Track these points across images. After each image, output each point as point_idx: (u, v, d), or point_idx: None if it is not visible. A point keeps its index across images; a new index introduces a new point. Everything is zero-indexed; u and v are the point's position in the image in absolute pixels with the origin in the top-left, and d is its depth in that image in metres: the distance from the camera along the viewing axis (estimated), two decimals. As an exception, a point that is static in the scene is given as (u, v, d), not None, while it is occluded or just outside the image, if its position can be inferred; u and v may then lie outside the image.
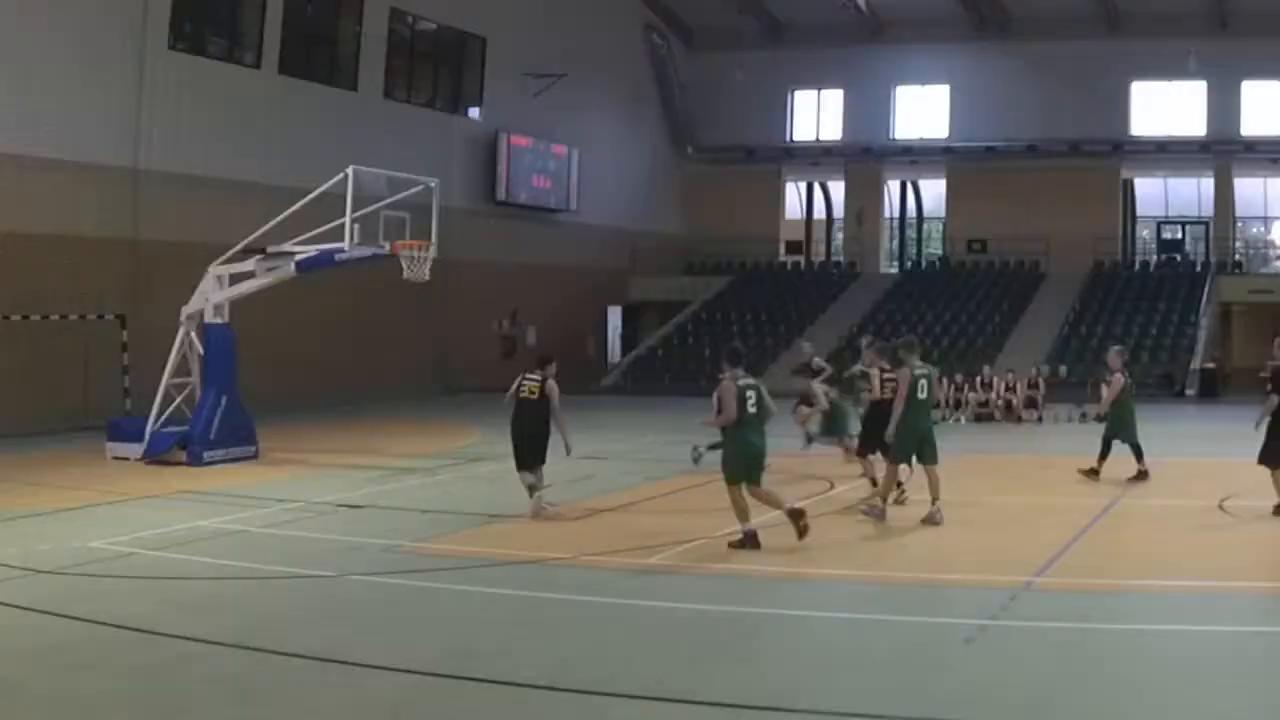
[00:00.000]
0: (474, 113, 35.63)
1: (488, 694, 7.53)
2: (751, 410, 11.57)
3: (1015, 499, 15.15)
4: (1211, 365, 32.21)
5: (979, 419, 25.78)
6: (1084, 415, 25.60)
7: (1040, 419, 25.56)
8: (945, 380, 26.38)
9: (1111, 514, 13.61)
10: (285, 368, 26.49)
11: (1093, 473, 16.15)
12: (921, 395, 13.03)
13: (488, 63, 35.35)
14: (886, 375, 14.19)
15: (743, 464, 11.61)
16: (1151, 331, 34.89)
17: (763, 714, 7.08)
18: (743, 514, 11.60)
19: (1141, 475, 16.05)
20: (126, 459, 18.51)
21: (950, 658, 8.17)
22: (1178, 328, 34.80)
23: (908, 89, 42.76)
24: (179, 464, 18.07)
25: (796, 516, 11.63)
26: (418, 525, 13.25)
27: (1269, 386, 13.15)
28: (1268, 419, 13.09)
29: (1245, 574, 10.53)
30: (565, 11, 36.81)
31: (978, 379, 26.62)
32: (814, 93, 43.75)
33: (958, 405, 26.10)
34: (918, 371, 13.07)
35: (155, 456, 18.40)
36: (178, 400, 19.14)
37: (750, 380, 11.75)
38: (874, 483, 14.19)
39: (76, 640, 8.70)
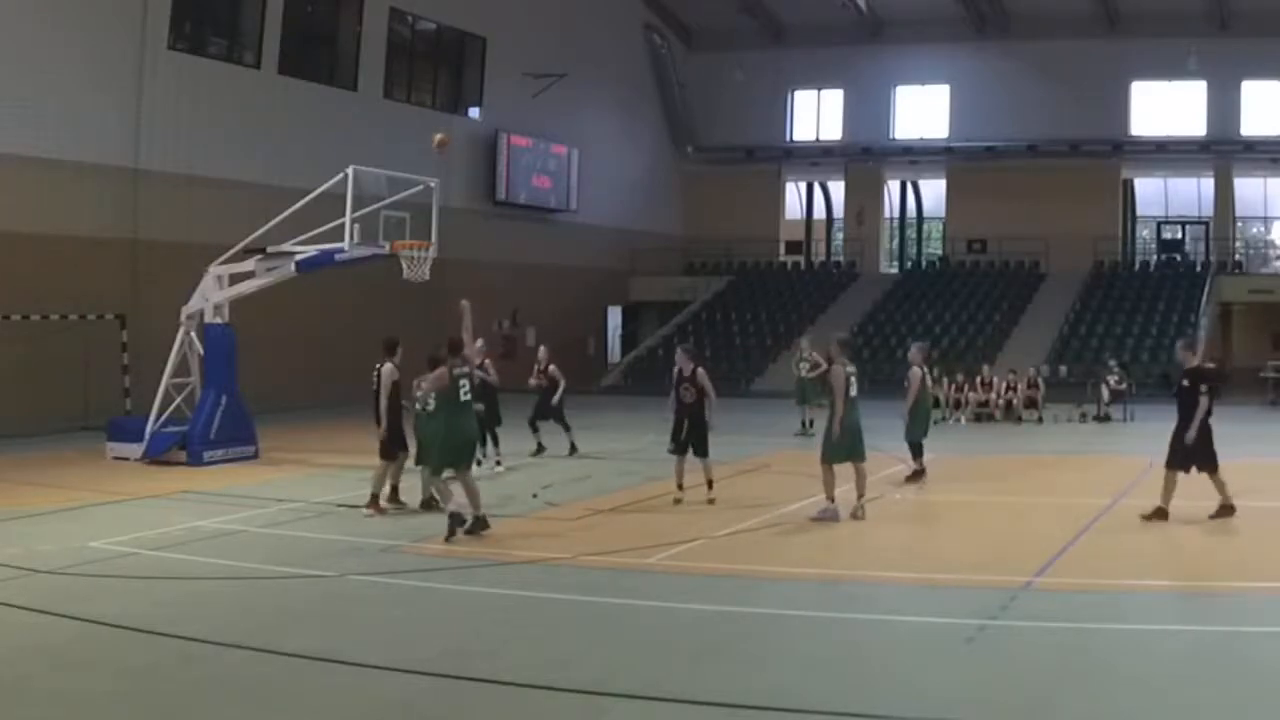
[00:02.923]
0: (474, 113, 35.63)
1: (487, 694, 7.53)
2: (465, 398, 12.34)
3: (1015, 499, 15.16)
4: (1211, 365, 32.13)
5: (979, 419, 25.77)
6: (1084, 415, 25.66)
7: (1040, 419, 25.55)
8: (945, 380, 26.40)
9: (1111, 514, 13.60)
10: (285, 368, 26.48)
11: (917, 474, 16.16)
12: (853, 393, 13.19)
13: (488, 63, 35.34)
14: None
15: (451, 451, 12.30)
16: (1151, 331, 34.88)
17: (762, 714, 7.08)
18: (445, 497, 12.27)
19: (918, 475, 16.13)
20: (126, 459, 18.51)
21: (950, 658, 8.17)
22: (1178, 328, 34.74)
23: (908, 89, 42.75)
24: (179, 464, 18.07)
25: (456, 520, 12.09)
26: (418, 525, 13.25)
27: (1203, 388, 12.80)
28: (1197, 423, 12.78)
29: (1244, 573, 10.52)
30: (565, 11, 36.83)
31: (978, 379, 26.59)
32: (814, 93, 43.75)
33: (958, 405, 26.07)
34: (848, 369, 13.28)
35: (155, 456, 18.40)
36: (178, 400, 19.14)
37: (465, 369, 12.53)
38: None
39: (77, 640, 8.71)
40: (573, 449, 19.15)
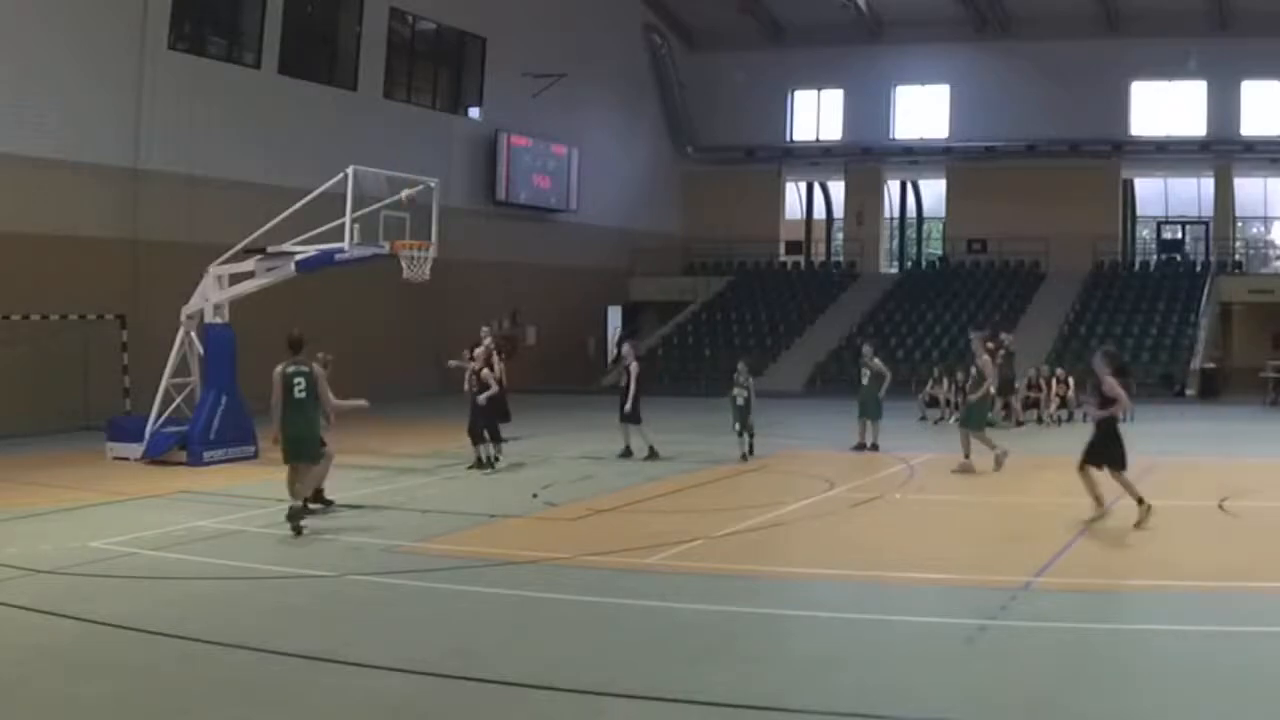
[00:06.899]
0: (474, 113, 35.65)
1: (487, 694, 7.52)
2: (299, 395, 12.99)
3: (1014, 499, 15.16)
4: (1212, 365, 32.20)
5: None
6: (1085, 416, 25.58)
7: (1040, 419, 25.53)
8: (945, 380, 26.37)
9: (1111, 514, 13.59)
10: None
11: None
12: (298, 395, 13.53)
13: (488, 63, 35.36)
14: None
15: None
16: (1151, 331, 34.88)
17: (763, 714, 7.08)
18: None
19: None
20: (126, 459, 18.51)
21: (950, 658, 8.17)
22: (1178, 328, 34.78)
23: (908, 89, 42.77)
24: (179, 464, 18.07)
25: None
26: (418, 525, 13.25)
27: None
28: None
29: (1245, 574, 10.51)
30: (565, 11, 36.83)
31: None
32: (814, 93, 43.76)
33: (958, 406, 26.00)
34: (288, 369, 13.67)
35: (155, 456, 18.40)
36: (178, 400, 19.15)
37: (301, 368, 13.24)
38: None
39: (77, 640, 8.71)
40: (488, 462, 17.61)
